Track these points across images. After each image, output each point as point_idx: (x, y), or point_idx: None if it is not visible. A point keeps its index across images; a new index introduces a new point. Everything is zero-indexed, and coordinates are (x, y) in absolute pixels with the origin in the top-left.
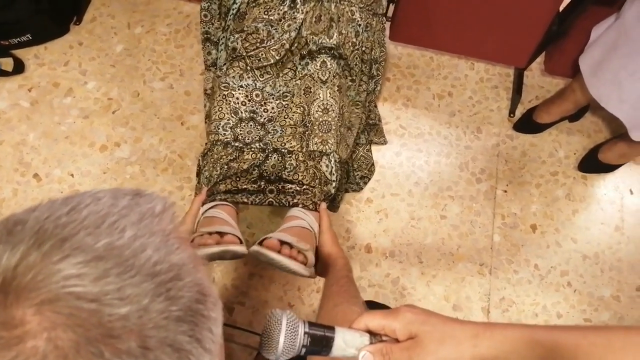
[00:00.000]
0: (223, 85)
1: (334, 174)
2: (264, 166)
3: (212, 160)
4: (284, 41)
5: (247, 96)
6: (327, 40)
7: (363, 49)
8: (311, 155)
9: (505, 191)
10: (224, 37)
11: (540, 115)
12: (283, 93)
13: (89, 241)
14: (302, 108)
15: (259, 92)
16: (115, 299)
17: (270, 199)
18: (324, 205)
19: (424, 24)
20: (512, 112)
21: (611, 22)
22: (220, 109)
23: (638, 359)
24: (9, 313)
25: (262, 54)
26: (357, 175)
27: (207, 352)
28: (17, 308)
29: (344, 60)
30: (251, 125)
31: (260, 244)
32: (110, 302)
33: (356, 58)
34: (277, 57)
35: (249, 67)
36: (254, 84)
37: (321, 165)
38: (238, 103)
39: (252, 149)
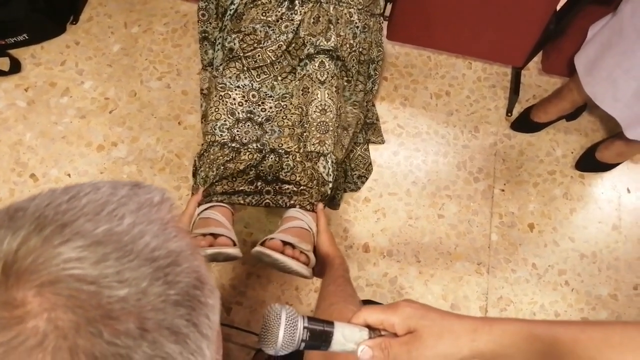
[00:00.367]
0: (220, 85)
1: (330, 175)
2: (261, 167)
3: (208, 160)
4: (281, 42)
5: (243, 96)
6: (325, 42)
7: (360, 50)
8: (308, 156)
9: (503, 190)
10: (220, 37)
11: (537, 115)
12: (282, 95)
13: (89, 227)
14: (300, 109)
15: (256, 93)
16: (114, 281)
17: (267, 200)
18: (321, 205)
19: (422, 24)
20: (509, 111)
21: (607, 21)
22: (216, 109)
23: (636, 353)
24: (10, 294)
25: (259, 55)
26: (355, 174)
27: (204, 338)
28: (17, 290)
29: (341, 62)
30: (248, 125)
31: (262, 244)
32: (109, 284)
33: (353, 59)
34: (274, 58)
35: (245, 68)
36: (250, 85)
37: (318, 166)
38: (235, 104)
39: (249, 150)
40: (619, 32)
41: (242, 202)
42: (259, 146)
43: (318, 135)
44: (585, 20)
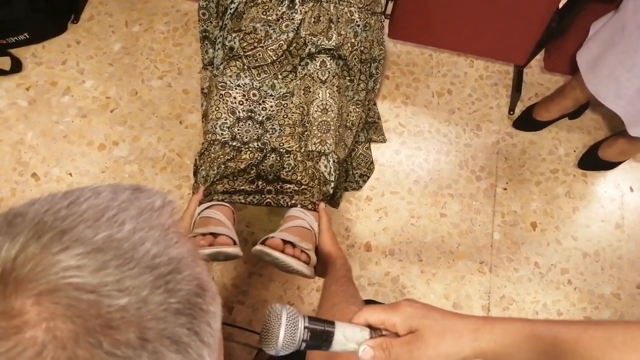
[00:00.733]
0: (220, 84)
1: (332, 174)
2: (262, 166)
3: (209, 159)
4: (281, 41)
5: (244, 95)
6: (326, 41)
7: (362, 48)
8: (309, 155)
9: (505, 189)
10: (220, 36)
11: (539, 113)
12: (283, 94)
13: (88, 233)
14: (301, 108)
15: (256, 92)
16: (114, 290)
17: (269, 200)
18: (322, 205)
19: (423, 22)
20: (511, 109)
21: (609, 18)
22: (217, 108)
23: (639, 353)
24: (8, 303)
25: (259, 54)
26: (357, 173)
27: (206, 346)
28: (16, 298)
29: (342, 61)
30: (249, 124)
31: (263, 243)
32: (109, 293)
33: (355, 58)
34: (275, 57)
35: (245, 67)
36: (251, 83)
37: (319, 166)
38: (235, 102)
39: (250, 149)
40: (621, 29)
41: (243, 201)
42: (259, 145)
43: (319, 135)
44: (588, 18)
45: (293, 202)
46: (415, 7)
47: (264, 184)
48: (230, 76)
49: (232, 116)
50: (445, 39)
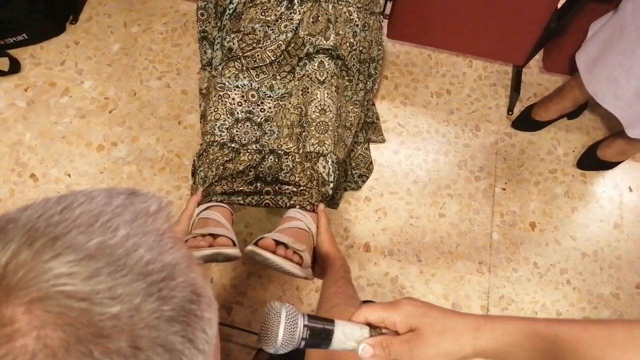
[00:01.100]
0: (219, 85)
1: (331, 175)
2: (261, 167)
3: (207, 160)
4: (280, 42)
5: (242, 96)
6: (324, 41)
7: (360, 48)
8: (308, 156)
9: (504, 189)
10: (219, 36)
11: (538, 113)
12: (281, 95)
13: (81, 240)
14: (299, 109)
15: (255, 93)
16: (106, 298)
17: (267, 201)
18: (322, 206)
19: (422, 22)
20: (510, 109)
21: (608, 19)
22: (215, 109)
23: None
24: None
25: (258, 55)
26: (356, 173)
27: (201, 353)
28: (6, 306)
29: (341, 61)
30: (248, 125)
31: (256, 244)
32: (101, 301)
33: (354, 58)
34: (273, 58)
35: (244, 67)
36: (249, 84)
37: (318, 167)
38: (234, 103)
39: (249, 150)
40: (620, 30)
41: (241, 202)
42: (258, 147)
43: (317, 136)
44: (586, 18)
45: (291, 203)
46: (414, 7)
47: (263, 185)
48: (229, 77)
49: (230, 117)
50: (444, 39)
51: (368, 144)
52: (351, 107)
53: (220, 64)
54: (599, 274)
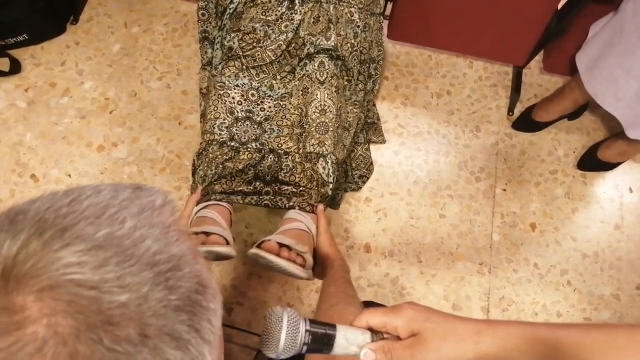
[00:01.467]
0: (218, 84)
1: (330, 176)
2: (260, 166)
3: (207, 159)
4: (280, 42)
5: (242, 95)
6: (325, 42)
7: (361, 49)
8: (308, 156)
9: (505, 190)
10: (219, 36)
11: (539, 114)
12: (281, 94)
13: (90, 231)
14: (299, 109)
15: (255, 92)
16: (115, 286)
17: (266, 201)
18: (321, 206)
19: (422, 22)
20: (510, 110)
21: (608, 20)
22: (215, 108)
23: None
24: (9, 299)
25: (258, 54)
26: (356, 174)
27: (206, 343)
28: (17, 295)
29: (341, 61)
30: (247, 124)
31: (259, 246)
32: (110, 289)
33: (354, 59)
34: (273, 57)
35: (244, 67)
36: (249, 83)
37: (318, 167)
38: (234, 102)
39: (248, 149)
40: (620, 31)
41: (240, 201)
42: (258, 146)
43: (317, 136)
44: (587, 19)
45: (291, 204)
46: (414, 8)
47: (262, 185)
48: (229, 76)
49: (230, 116)
50: (444, 39)
51: (368, 144)
52: (350, 108)
53: (220, 63)
54: (600, 275)
